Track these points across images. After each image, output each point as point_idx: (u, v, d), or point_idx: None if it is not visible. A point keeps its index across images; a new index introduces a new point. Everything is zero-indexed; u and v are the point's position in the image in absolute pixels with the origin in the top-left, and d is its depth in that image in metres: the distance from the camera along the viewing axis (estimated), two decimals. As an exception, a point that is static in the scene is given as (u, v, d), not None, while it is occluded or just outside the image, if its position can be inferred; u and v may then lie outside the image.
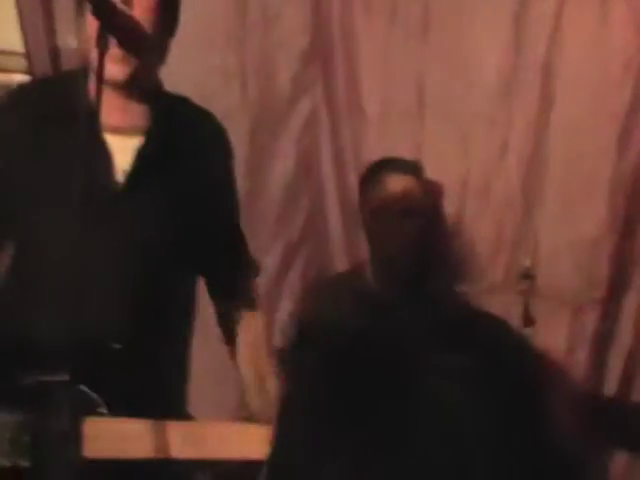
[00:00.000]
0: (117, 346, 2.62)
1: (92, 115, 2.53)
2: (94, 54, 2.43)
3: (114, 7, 2.52)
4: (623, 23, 3.78)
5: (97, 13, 2.47)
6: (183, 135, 2.89)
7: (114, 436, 2.39)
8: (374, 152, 3.71)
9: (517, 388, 0.92)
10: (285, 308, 4.04)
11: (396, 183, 3.55)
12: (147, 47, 2.69)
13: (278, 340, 3.54)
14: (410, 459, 0.88)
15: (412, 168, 3.56)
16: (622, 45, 3.80)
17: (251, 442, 2.39)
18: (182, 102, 2.96)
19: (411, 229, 3.56)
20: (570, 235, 3.77)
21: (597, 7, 3.83)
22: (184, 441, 2.49)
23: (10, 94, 3.08)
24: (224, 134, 2.99)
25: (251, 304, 2.94)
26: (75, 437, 2.20)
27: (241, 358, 2.93)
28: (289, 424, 0.99)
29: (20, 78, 4.28)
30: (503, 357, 0.97)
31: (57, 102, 2.78)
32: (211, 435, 2.59)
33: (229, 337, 2.90)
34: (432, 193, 3.79)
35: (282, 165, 3.95)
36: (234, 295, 2.96)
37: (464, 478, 0.87)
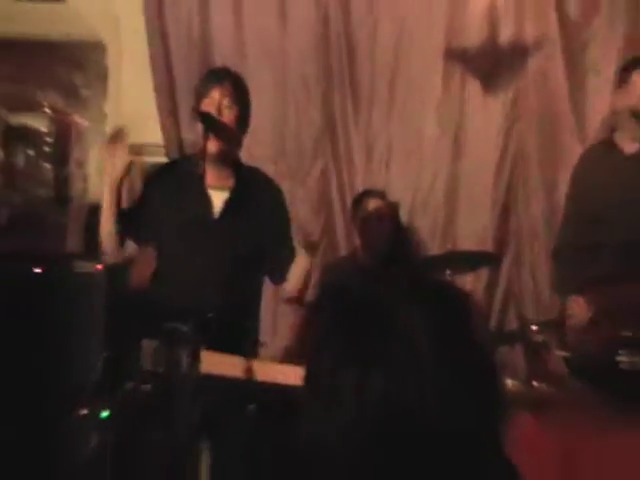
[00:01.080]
0: (210, 315, 3.48)
1: (201, 178, 3.76)
2: (201, 142, 3.69)
3: (212, 117, 3.72)
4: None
5: (202, 122, 3.70)
6: (254, 190, 3.97)
7: (213, 361, 3.41)
8: (360, 187, 5.66)
9: (455, 317, 1.30)
10: (313, 278, 5.13)
11: (372, 204, 5.38)
12: (231, 138, 3.88)
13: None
14: (389, 366, 1.23)
15: (381, 195, 5.41)
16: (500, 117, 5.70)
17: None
18: (254, 170, 4.10)
19: (382, 230, 5.37)
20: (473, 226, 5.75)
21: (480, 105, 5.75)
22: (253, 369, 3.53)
23: (157, 168, 4.32)
24: (280, 190, 4.16)
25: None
26: (194, 360, 3.33)
27: (291, 273, 3.97)
28: (317, 348, 1.34)
29: (162, 159, 5.68)
30: (444, 299, 1.35)
31: (182, 172, 3.89)
32: (266, 368, 3.60)
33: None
34: (393, 209, 5.60)
35: (308, 195, 5.80)
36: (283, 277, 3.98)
37: (424, 376, 1.22)
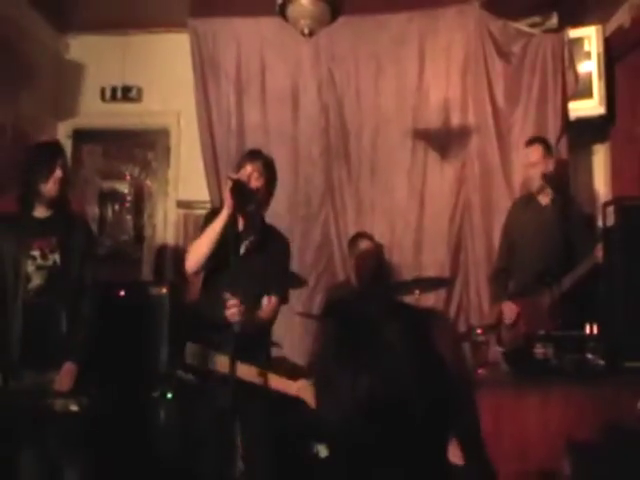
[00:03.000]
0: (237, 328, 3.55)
1: (237, 234, 3.90)
2: (227, 193, 3.75)
3: (242, 183, 3.82)
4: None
5: (233, 189, 3.78)
6: (269, 239, 4.02)
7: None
8: (352, 232, 6.00)
9: (425, 335, 1.28)
10: (318, 300, 6.06)
11: (363, 244, 5.74)
12: (258, 201, 3.94)
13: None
14: (378, 371, 1.22)
15: (369, 237, 5.83)
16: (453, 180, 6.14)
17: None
18: (270, 227, 4.13)
19: (370, 263, 5.70)
20: (434, 259, 6.07)
21: (438, 171, 6.15)
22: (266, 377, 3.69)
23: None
24: (287, 242, 4.16)
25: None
26: (232, 360, 3.47)
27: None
28: (324, 356, 1.33)
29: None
30: (416, 319, 1.34)
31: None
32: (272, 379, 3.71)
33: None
34: (379, 249, 6.00)
35: (314, 236, 6.20)
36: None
37: (401, 371, 1.21)
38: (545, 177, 5.06)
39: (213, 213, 4.04)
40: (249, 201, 3.88)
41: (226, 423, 3.72)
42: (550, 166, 5.13)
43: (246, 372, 3.61)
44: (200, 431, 3.93)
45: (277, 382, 3.70)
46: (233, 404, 3.52)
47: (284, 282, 4.12)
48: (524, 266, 5.09)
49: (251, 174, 3.93)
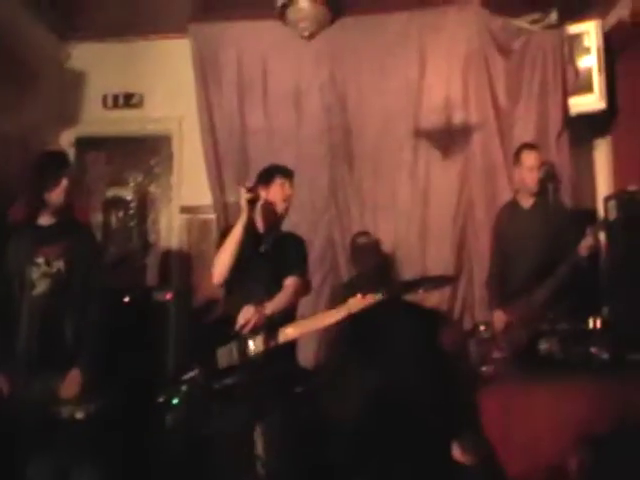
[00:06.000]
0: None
1: (256, 233, 4.10)
2: (244, 205, 3.92)
3: (258, 197, 4.01)
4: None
5: (248, 202, 3.94)
6: (287, 240, 4.21)
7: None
8: (357, 230, 6.03)
9: (432, 334, 2.01)
10: (324, 298, 6.08)
11: (361, 240, 5.87)
12: (278, 215, 4.17)
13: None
14: (386, 368, 1.58)
15: (367, 234, 5.92)
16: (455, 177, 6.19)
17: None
18: (286, 232, 4.30)
19: (368, 257, 5.81)
20: (438, 257, 6.11)
21: (440, 169, 6.18)
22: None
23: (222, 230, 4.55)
24: (303, 239, 4.31)
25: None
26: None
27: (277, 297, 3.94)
28: (339, 344, 1.98)
29: (211, 216, 6.30)
30: (423, 318, 2.12)
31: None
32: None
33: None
34: (376, 243, 6.05)
35: (319, 236, 6.19)
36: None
37: (408, 368, 1.57)
38: (541, 183, 5.14)
39: (228, 229, 4.17)
40: (272, 216, 4.10)
41: (247, 428, 3.82)
42: (542, 172, 5.21)
43: (290, 331, 3.75)
44: (220, 437, 3.96)
45: (320, 319, 3.80)
46: (255, 409, 3.68)
47: (301, 263, 4.17)
48: (516, 269, 5.13)
49: (277, 190, 4.14)
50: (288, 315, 4.02)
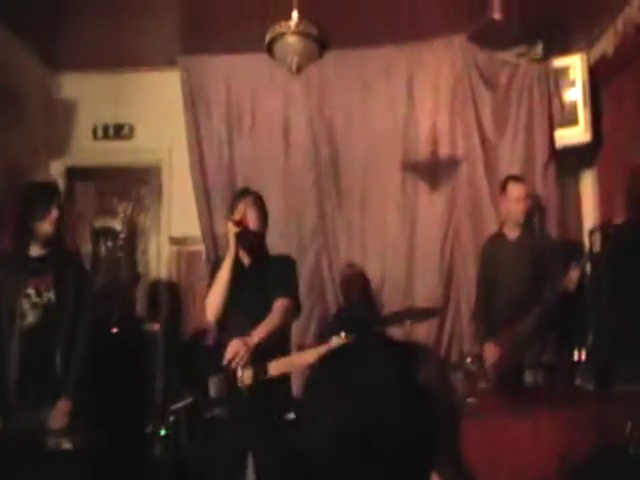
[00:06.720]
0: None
1: (238, 262, 4.07)
2: (232, 239, 3.99)
3: (240, 221, 4.02)
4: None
5: (237, 235, 3.99)
6: (275, 262, 4.20)
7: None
8: (345, 262, 6.17)
9: (409, 370, 1.31)
10: (313, 327, 6.12)
11: (346, 270, 5.99)
12: (256, 234, 4.12)
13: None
14: (360, 396, 1.26)
15: (352, 265, 6.03)
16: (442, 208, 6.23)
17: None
18: (274, 255, 4.31)
19: (357, 293, 5.92)
20: (426, 287, 6.15)
21: (428, 200, 6.25)
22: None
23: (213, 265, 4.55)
24: (293, 260, 4.28)
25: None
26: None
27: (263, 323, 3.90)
28: (312, 385, 1.37)
29: (200, 248, 6.33)
30: (401, 353, 1.37)
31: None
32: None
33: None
34: (361, 272, 6.10)
35: (307, 269, 6.14)
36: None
37: (386, 412, 1.23)
38: (527, 215, 5.26)
39: (219, 263, 4.20)
40: (252, 241, 4.09)
41: (238, 457, 3.88)
42: (529, 204, 5.31)
43: (275, 367, 3.79)
44: (210, 467, 3.99)
45: (303, 357, 3.90)
46: (246, 438, 3.75)
47: (290, 285, 4.16)
48: (501, 300, 5.21)
49: (245, 212, 4.10)
50: (282, 340, 4.04)
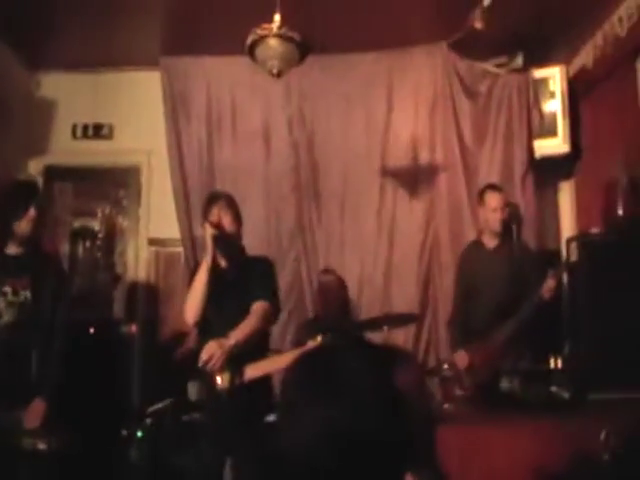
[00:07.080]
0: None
1: (216, 265, 4.04)
2: (209, 241, 3.96)
3: (217, 224, 3.99)
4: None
5: (215, 238, 3.97)
6: (253, 265, 4.17)
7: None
8: (323, 267, 6.09)
9: (387, 373, 1.31)
10: (291, 332, 6.09)
11: (325, 277, 5.90)
12: (232, 235, 4.10)
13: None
14: (338, 405, 1.25)
15: (331, 272, 5.95)
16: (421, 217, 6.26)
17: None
18: (251, 257, 4.27)
19: (331, 294, 5.81)
20: (403, 294, 6.18)
21: (407, 208, 6.26)
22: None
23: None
24: (271, 263, 4.27)
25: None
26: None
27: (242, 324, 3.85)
28: (289, 386, 1.38)
29: (179, 249, 6.31)
30: (379, 357, 1.37)
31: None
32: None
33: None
34: (341, 282, 6.00)
35: (285, 274, 6.14)
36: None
37: (363, 415, 1.23)
38: (505, 224, 5.26)
39: (197, 266, 4.17)
40: (229, 244, 4.07)
41: (217, 462, 3.83)
42: (506, 213, 5.32)
43: (251, 371, 3.75)
44: (188, 471, 4.05)
45: (279, 360, 3.82)
46: (225, 442, 3.70)
47: (268, 287, 4.14)
48: (478, 308, 5.23)
49: (219, 215, 4.09)
50: (260, 344, 4.01)
